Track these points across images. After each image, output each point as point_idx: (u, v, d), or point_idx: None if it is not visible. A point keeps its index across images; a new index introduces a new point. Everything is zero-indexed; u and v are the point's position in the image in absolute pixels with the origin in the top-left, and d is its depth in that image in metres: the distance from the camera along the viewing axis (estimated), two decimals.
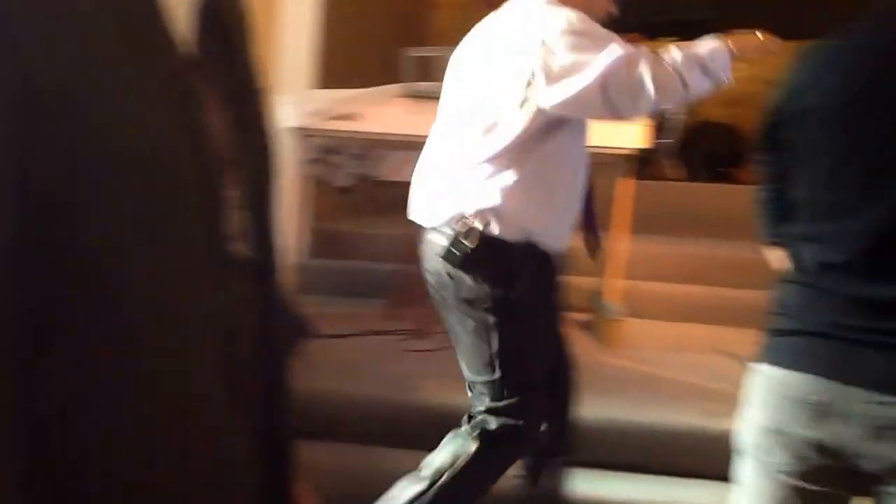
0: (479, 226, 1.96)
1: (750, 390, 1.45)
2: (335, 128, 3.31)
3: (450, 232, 1.99)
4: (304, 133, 3.32)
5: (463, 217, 1.98)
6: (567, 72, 1.83)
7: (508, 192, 1.95)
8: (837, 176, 1.36)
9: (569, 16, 1.87)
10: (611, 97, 1.82)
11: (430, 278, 2.11)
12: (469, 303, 2.01)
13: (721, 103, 5.98)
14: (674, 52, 1.84)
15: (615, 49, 1.81)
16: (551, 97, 1.86)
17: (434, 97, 3.41)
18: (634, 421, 2.71)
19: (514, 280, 1.99)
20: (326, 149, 3.39)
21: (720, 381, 2.72)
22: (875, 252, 1.32)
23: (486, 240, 1.96)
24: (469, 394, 2.14)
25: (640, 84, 1.79)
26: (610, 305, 3.65)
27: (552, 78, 1.85)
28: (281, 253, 0.79)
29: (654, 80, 1.79)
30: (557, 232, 2.05)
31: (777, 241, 1.51)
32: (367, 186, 3.61)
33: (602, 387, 2.84)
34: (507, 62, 1.94)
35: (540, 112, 1.90)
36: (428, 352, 3.33)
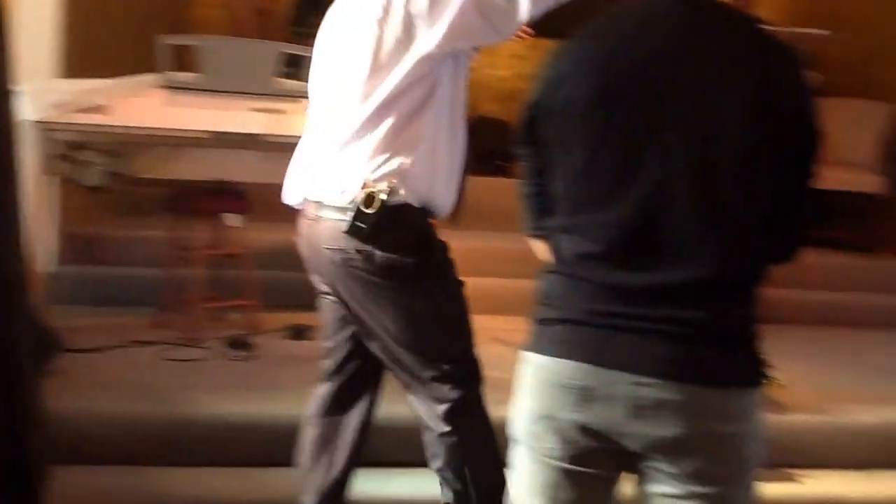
0: (382, 195, 1.89)
1: (520, 378, 1.48)
2: (81, 121, 3.03)
3: (350, 206, 1.91)
4: (46, 127, 3.02)
5: (364, 187, 1.90)
6: (437, 6, 1.85)
7: (405, 155, 1.91)
8: (590, 170, 1.39)
9: None
10: (486, 13, 1.86)
11: (331, 267, 1.99)
12: (386, 276, 1.93)
13: (495, 99, 6.22)
14: None
15: None
16: (433, 37, 1.86)
17: (192, 88, 3.25)
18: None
19: (427, 244, 1.95)
20: (73, 144, 3.10)
21: (497, 369, 2.78)
22: (627, 243, 1.37)
23: (390, 208, 1.89)
24: (411, 397, 2.07)
25: None
26: None
27: (428, 19, 1.86)
28: (26, 260, 0.65)
29: None
30: (450, 193, 2.03)
31: (540, 233, 1.54)
32: (121, 185, 3.35)
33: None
34: (376, 22, 1.91)
35: (425, 61, 1.88)
36: (196, 361, 3.17)
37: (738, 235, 1.36)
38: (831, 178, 4.93)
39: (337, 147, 1.97)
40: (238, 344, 3.34)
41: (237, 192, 3.52)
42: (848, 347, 3.98)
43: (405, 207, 1.92)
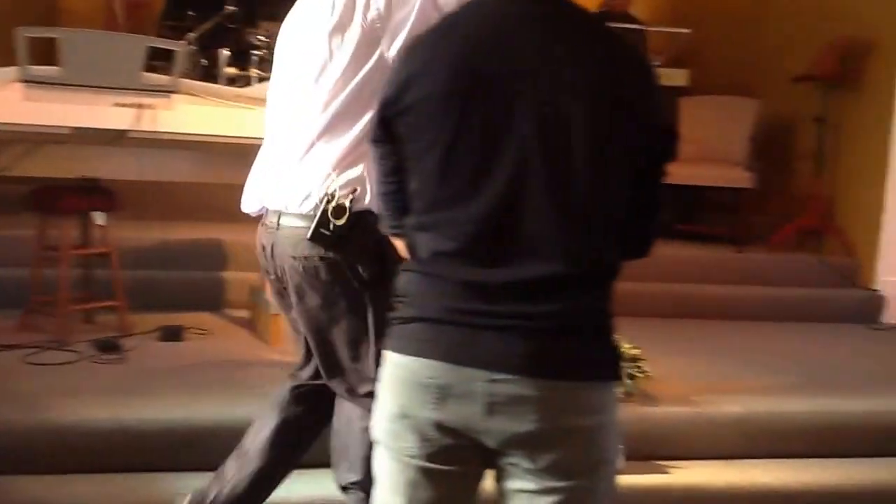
0: (345, 201, 1.89)
1: (381, 378, 1.48)
2: None
3: (312, 213, 1.90)
4: None
5: (326, 195, 1.89)
6: (398, 13, 1.85)
7: (367, 162, 1.86)
8: (445, 166, 1.39)
9: None
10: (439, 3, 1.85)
11: (288, 269, 1.98)
12: (343, 283, 1.93)
13: None
14: None
15: None
16: (396, 44, 1.84)
17: (53, 82, 3.09)
18: None
19: (384, 251, 1.89)
20: None
21: None
22: (483, 239, 1.37)
23: (353, 215, 1.90)
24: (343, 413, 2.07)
25: None
26: (269, 300, 3.58)
27: (388, 27, 1.85)
28: None
29: None
30: None
31: (399, 231, 1.53)
32: None
33: (264, 385, 2.78)
34: (336, 29, 1.89)
35: (387, 68, 1.79)
36: (64, 365, 3.04)
37: (592, 231, 1.38)
38: (703, 173, 5.22)
39: (298, 155, 1.96)
40: (107, 346, 3.23)
41: (104, 190, 3.39)
42: (718, 339, 4.12)
43: (368, 215, 1.90)
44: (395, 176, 1.50)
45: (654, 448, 2.92)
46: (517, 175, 1.35)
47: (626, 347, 3.08)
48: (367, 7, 1.87)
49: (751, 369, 3.59)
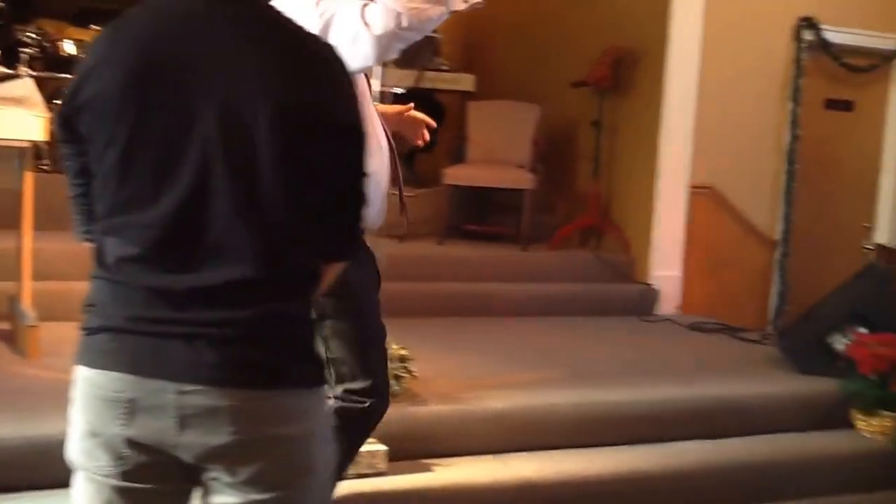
0: None
1: (74, 395, 1.40)
2: None
3: None
4: None
5: None
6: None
7: None
8: (126, 168, 1.33)
9: None
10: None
11: None
12: None
13: None
14: None
15: None
16: None
17: None
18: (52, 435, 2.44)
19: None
20: None
21: None
22: (167, 244, 1.33)
23: None
24: None
25: None
26: (26, 311, 3.33)
27: None
28: None
29: None
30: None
31: (89, 237, 1.46)
32: None
33: (17, 402, 2.65)
34: None
35: None
36: None
37: (281, 234, 1.35)
38: (489, 175, 5.36)
39: None
40: None
41: None
42: (495, 336, 4.21)
43: None
44: (81, 178, 1.43)
45: (420, 447, 2.94)
46: (200, 177, 1.32)
47: (395, 348, 3.09)
48: None
49: (519, 364, 3.70)
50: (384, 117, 2.43)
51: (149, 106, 1.32)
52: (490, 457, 3.02)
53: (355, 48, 1.94)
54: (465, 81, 5.85)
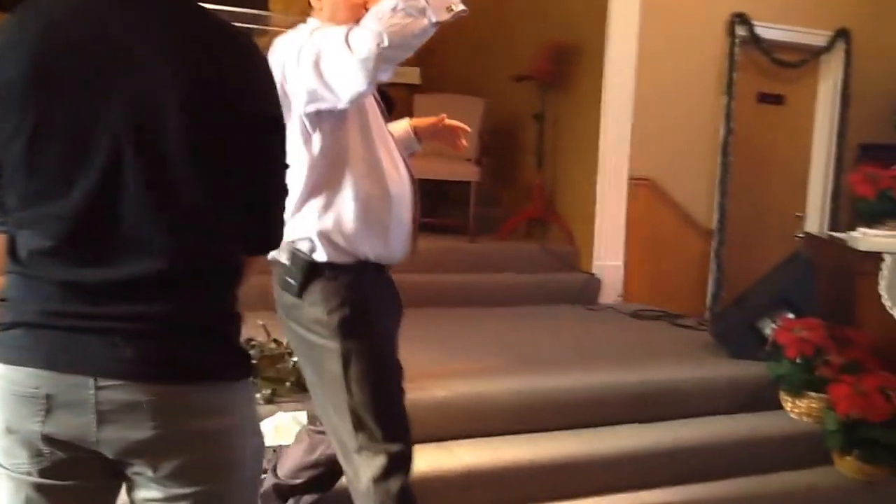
0: (301, 253, 2.02)
1: None
2: None
3: (282, 263, 2.03)
4: None
5: (288, 245, 2.01)
6: (296, 71, 1.92)
7: (310, 213, 2.02)
8: (35, 158, 1.29)
9: None
10: (324, 75, 1.90)
11: (281, 314, 2.14)
12: (313, 332, 2.05)
13: None
14: None
15: None
16: (298, 104, 1.96)
17: None
18: None
19: (350, 302, 2.03)
20: None
21: None
22: (79, 236, 1.30)
23: (311, 264, 2.02)
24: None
25: None
26: None
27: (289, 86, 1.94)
28: None
29: None
30: (386, 243, 2.11)
31: (3, 230, 1.40)
32: None
33: None
34: None
35: (298, 123, 1.97)
36: None
37: (195, 226, 1.33)
38: (436, 168, 5.42)
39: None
40: None
41: None
42: (439, 326, 4.26)
43: (328, 265, 2.01)
44: None
45: None
46: (112, 167, 1.28)
47: None
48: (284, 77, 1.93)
49: (463, 353, 3.76)
50: (419, 130, 2.43)
51: (56, 94, 1.28)
52: (433, 445, 3.04)
53: (345, 78, 1.86)
54: (411, 75, 5.89)
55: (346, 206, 2.02)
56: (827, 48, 5.45)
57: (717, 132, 5.21)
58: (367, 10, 1.94)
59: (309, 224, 2.02)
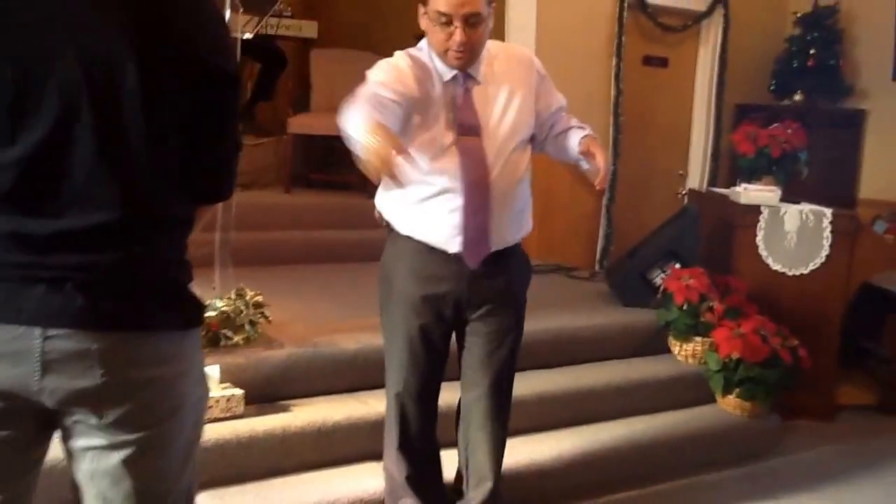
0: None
1: None
2: None
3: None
4: None
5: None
6: None
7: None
8: None
9: None
10: None
11: None
12: None
13: None
14: None
15: None
16: None
17: None
18: None
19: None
20: None
21: None
22: (27, 187, 1.29)
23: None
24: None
25: None
26: None
27: None
28: None
29: None
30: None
31: None
32: None
33: None
34: None
35: None
36: None
37: (147, 176, 1.33)
38: (332, 124, 5.36)
39: None
40: None
41: None
42: (343, 281, 4.31)
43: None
44: None
45: (277, 390, 3.03)
46: (63, 119, 1.28)
47: (250, 295, 3.16)
48: None
49: (367, 309, 3.71)
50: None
51: (5, 40, 1.26)
52: (346, 395, 3.13)
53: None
54: (308, 28, 5.81)
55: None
56: (707, 13, 5.71)
57: (609, 94, 5.40)
58: (447, 52, 2.33)
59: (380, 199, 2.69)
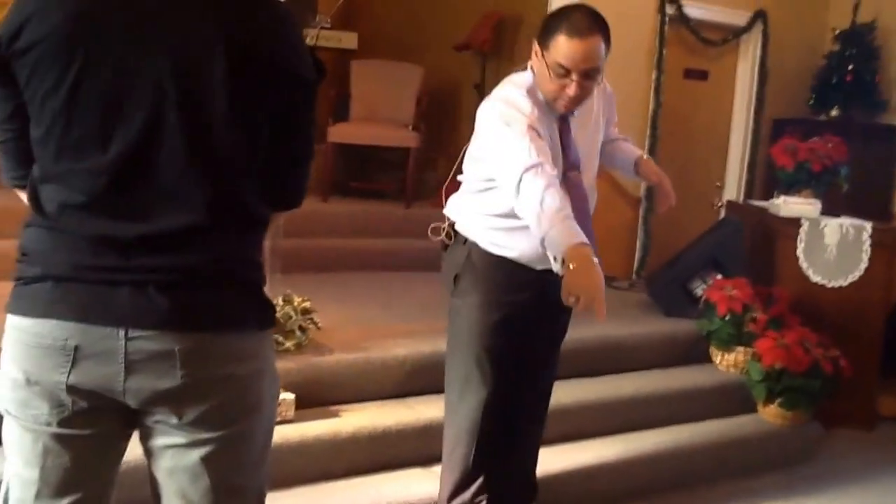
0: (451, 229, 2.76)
1: (4, 344, 1.39)
2: None
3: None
4: None
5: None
6: None
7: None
8: (72, 111, 1.30)
9: None
10: None
11: None
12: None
13: None
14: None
15: None
16: None
17: None
18: None
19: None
20: None
21: None
22: (115, 191, 1.31)
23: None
24: None
25: None
26: None
27: None
28: None
29: None
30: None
31: (21, 183, 1.42)
32: None
33: None
34: None
35: None
36: None
37: (231, 180, 1.35)
38: (373, 133, 5.47)
39: None
40: None
41: None
42: (386, 288, 4.37)
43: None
44: (12, 123, 1.40)
45: (327, 394, 3.06)
46: (151, 123, 1.29)
47: (298, 301, 3.20)
48: None
49: (412, 315, 3.84)
50: (640, 170, 2.60)
51: (97, 50, 1.28)
52: (395, 401, 3.16)
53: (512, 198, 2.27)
54: (348, 39, 5.88)
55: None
56: (746, 28, 5.73)
57: (647, 105, 5.42)
58: (557, 101, 2.30)
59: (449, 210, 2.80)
